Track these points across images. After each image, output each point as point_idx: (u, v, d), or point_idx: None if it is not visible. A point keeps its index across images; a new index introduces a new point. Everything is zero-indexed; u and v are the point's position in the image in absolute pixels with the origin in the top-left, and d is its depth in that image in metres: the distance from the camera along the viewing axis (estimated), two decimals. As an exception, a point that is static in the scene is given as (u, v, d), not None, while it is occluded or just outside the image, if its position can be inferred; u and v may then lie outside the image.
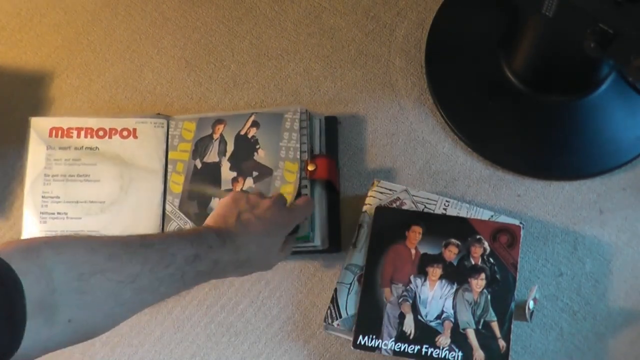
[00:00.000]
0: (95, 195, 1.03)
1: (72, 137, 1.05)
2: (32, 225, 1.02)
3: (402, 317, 0.94)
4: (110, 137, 1.05)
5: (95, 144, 1.05)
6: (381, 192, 1.01)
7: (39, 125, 1.06)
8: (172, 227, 1.01)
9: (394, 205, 1.01)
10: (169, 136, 1.06)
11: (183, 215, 1.02)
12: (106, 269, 0.69)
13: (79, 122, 1.06)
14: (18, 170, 1.09)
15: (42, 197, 1.03)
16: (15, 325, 0.60)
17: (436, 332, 0.93)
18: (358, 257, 0.98)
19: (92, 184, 1.04)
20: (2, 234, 1.07)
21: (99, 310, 0.69)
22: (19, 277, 0.61)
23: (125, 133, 1.06)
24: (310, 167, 1.01)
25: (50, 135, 1.05)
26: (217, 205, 0.91)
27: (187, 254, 0.77)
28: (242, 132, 1.05)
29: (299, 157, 1.02)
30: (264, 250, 0.87)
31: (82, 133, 1.05)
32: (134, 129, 1.06)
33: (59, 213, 1.02)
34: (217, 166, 1.04)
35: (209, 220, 0.87)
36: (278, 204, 0.91)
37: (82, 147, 1.05)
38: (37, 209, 1.02)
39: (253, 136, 1.04)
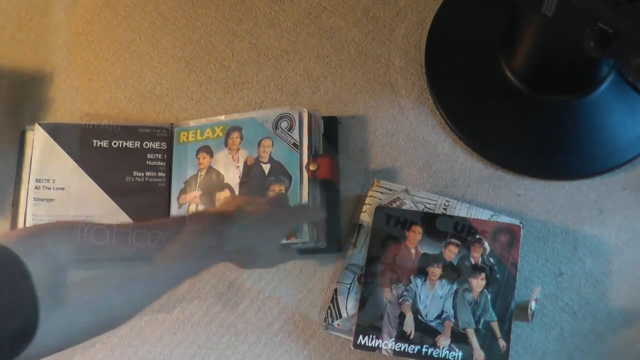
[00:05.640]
0: None
1: None
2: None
3: (402, 317, 0.94)
4: None
5: None
6: (381, 192, 1.01)
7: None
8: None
9: (394, 205, 1.01)
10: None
11: None
12: (108, 247, 0.73)
13: None
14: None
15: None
16: (26, 304, 0.61)
17: (436, 332, 0.93)
18: (358, 257, 0.98)
19: None
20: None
21: (112, 290, 0.71)
22: (21, 259, 0.62)
23: None
24: (312, 167, 1.00)
25: None
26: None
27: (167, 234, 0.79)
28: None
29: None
30: (258, 243, 0.88)
31: None
32: None
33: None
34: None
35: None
36: (275, 201, 0.94)
37: None
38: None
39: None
